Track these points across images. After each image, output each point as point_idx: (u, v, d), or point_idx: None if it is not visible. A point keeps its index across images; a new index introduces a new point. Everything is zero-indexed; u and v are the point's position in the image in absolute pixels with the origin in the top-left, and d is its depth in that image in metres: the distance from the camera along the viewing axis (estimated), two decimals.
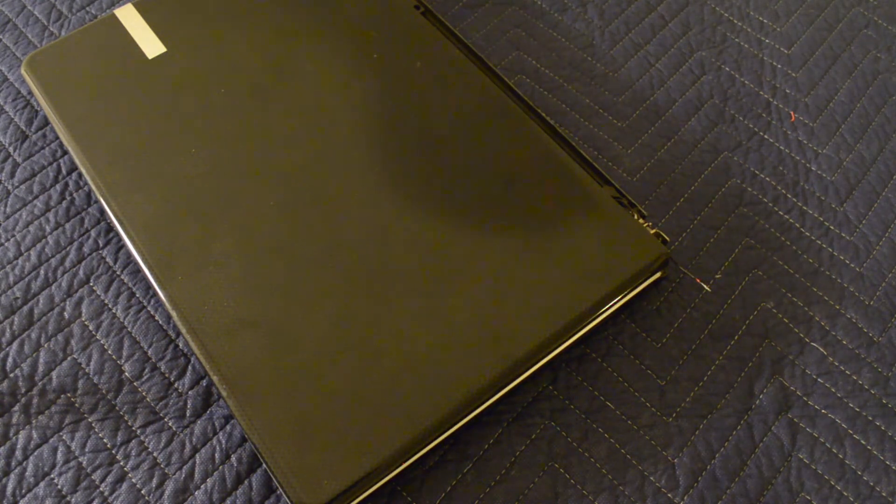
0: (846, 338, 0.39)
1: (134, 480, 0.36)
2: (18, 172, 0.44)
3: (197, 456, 0.36)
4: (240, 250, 0.37)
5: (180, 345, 0.39)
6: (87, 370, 0.38)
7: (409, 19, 0.45)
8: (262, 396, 0.34)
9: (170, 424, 0.37)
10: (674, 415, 0.37)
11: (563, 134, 0.41)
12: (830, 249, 0.41)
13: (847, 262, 0.41)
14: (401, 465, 0.33)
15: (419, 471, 0.36)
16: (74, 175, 0.44)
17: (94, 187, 0.40)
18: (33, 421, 0.37)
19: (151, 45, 0.44)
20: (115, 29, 0.45)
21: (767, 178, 0.44)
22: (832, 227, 0.42)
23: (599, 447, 0.36)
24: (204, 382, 0.38)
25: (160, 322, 0.39)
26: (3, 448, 0.36)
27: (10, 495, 0.35)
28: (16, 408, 0.37)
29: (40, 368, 0.38)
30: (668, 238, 0.39)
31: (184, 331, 0.36)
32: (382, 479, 0.33)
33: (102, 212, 0.43)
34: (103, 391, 0.38)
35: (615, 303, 0.37)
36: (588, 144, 0.45)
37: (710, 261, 0.41)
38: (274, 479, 0.33)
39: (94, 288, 0.40)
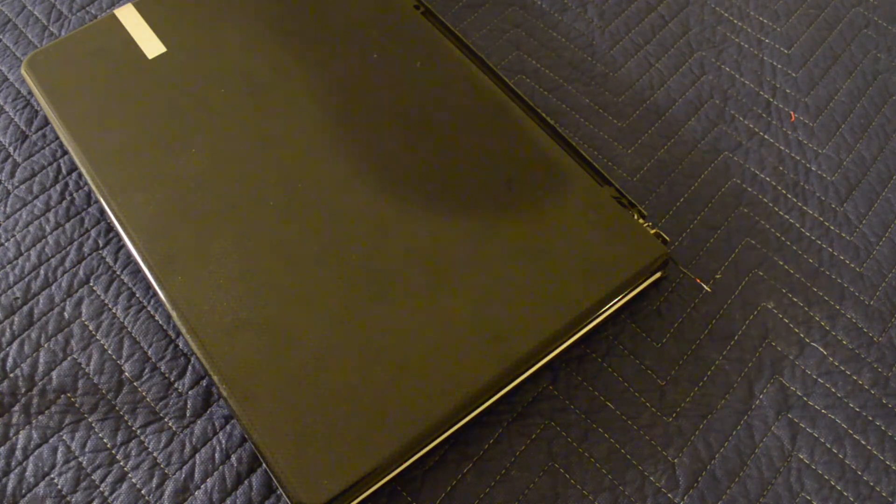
0: (846, 338, 0.39)
1: (134, 480, 0.36)
2: (18, 172, 0.44)
3: (197, 456, 0.36)
4: (239, 250, 0.37)
5: (180, 345, 0.39)
6: (87, 370, 0.38)
7: (409, 19, 0.45)
8: (262, 396, 0.34)
9: (170, 424, 0.37)
10: (674, 415, 0.37)
11: (563, 134, 0.41)
12: (830, 249, 0.41)
13: (847, 262, 0.41)
14: (401, 465, 0.33)
15: (419, 471, 0.36)
16: (74, 175, 0.44)
17: (94, 187, 0.40)
18: (33, 421, 0.37)
19: (151, 45, 0.44)
20: (115, 29, 0.45)
21: (767, 178, 0.44)
22: (832, 227, 0.42)
23: (599, 447, 0.36)
24: (204, 382, 0.38)
25: (160, 322, 0.39)
26: (3, 448, 0.36)
27: (10, 495, 0.35)
28: (16, 408, 0.37)
29: (40, 368, 0.38)
30: (668, 238, 0.39)
31: (184, 331, 0.36)
32: (382, 479, 0.33)
33: (102, 212, 0.43)
34: (103, 391, 0.38)
35: (615, 303, 0.37)
36: (588, 144, 0.45)
37: (710, 261, 0.41)
38: (274, 479, 0.33)
39: (94, 288, 0.40)
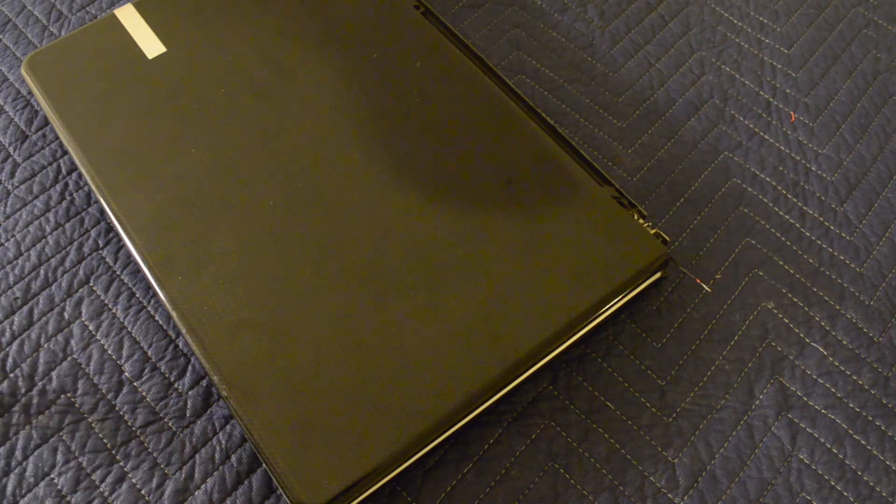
0: (846, 338, 0.39)
1: (134, 480, 0.36)
2: (18, 172, 0.44)
3: (197, 456, 0.36)
4: (240, 250, 0.37)
5: (180, 345, 0.39)
6: (87, 370, 0.38)
7: (409, 19, 0.45)
8: (262, 396, 0.34)
9: (170, 424, 0.37)
10: (674, 415, 0.37)
11: (563, 134, 0.41)
12: (830, 249, 0.41)
13: (847, 262, 0.41)
14: (401, 465, 0.33)
15: (419, 471, 0.36)
16: (74, 175, 0.44)
17: (94, 187, 0.40)
18: (33, 421, 0.37)
19: (151, 45, 0.44)
20: (115, 29, 0.45)
21: (767, 178, 0.44)
22: (832, 227, 0.42)
23: (599, 447, 0.36)
24: (204, 382, 0.38)
25: (160, 322, 0.39)
26: (3, 448, 0.36)
27: (10, 495, 0.35)
28: (16, 408, 0.37)
29: (40, 368, 0.38)
30: (668, 238, 0.39)
31: (184, 331, 0.36)
32: (382, 479, 0.33)
33: (102, 212, 0.43)
34: (103, 391, 0.38)
35: (615, 303, 0.37)
36: (588, 144, 0.45)
37: (710, 261, 0.41)
38: (274, 479, 0.33)
39: (94, 288, 0.40)
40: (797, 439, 0.36)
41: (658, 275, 0.39)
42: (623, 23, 0.50)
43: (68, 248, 0.42)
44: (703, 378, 0.38)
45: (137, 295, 0.40)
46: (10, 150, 0.45)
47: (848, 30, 0.49)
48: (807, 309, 0.40)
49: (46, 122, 0.46)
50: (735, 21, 0.50)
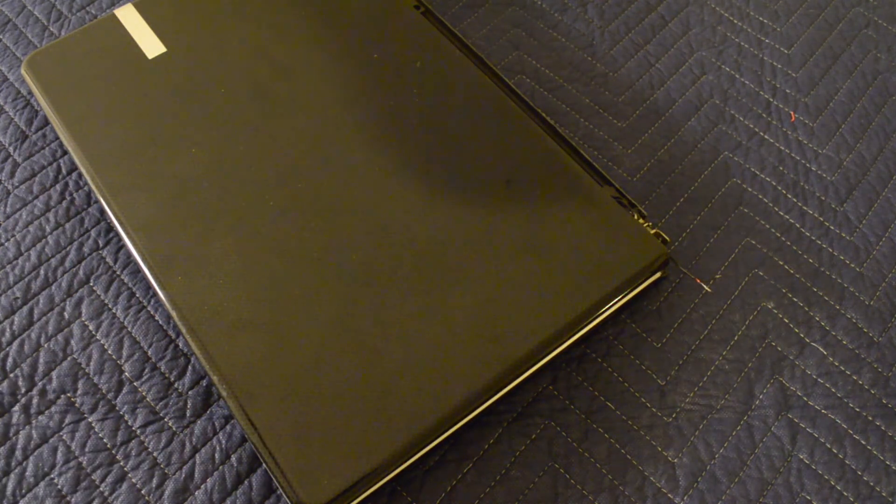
0: (846, 338, 0.39)
1: (134, 480, 0.36)
2: (18, 172, 0.44)
3: (197, 456, 0.36)
4: (240, 250, 0.38)
5: (180, 345, 0.39)
6: (87, 370, 0.38)
7: (409, 19, 0.45)
8: (262, 396, 0.34)
9: (170, 424, 0.37)
10: (674, 415, 0.37)
11: (563, 134, 0.41)
12: (830, 249, 0.41)
13: (847, 262, 0.41)
14: (401, 465, 0.33)
15: (419, 471, 0.36)
16: (74, 175, 0.44)
17: (94, 187, 0.40)
18: (33, 421, 0.37)
19: (151, 45, 0.44)
20: (115, 29, 0.45)
21: (767, 178, 0.44)
22: (832, 227, 0.42)
23: (599, 447, 0.36)
24: (204, 382, 0.38)
25: (160, 322, 0.39)
26: (3, 448, 0.36)
27: (10, 495, 0.35)
28: (16, 408, 0.37)
29: (40, 368, 0.38)
30: (668, 238, 0.39)
31: (184, 331, 0.36)
32: (382, 479, 0.33)
33: (102, 212, 0.43)
34: (103, 391, 0.38)
35: (615, 303, 0.37)
36: (588, 144, 0.45)
37: (710, 261, 0.41)
38: (274, 479, 0.33)
39: (94, 288, 0.40)
40: (797, 439, 0.36)
41: (658, 275, 0.39)
42: (623, 23, 0.50)
43: (68, 248, 0.42)
44: (703, 378, 0.38)
45: (137, 295, 0.40)
46: (10, 150, 0.45)
47: (848, 30, 0.49)
48: (807, 309, 0.40)
49: (46, 122, 0.46)
50: (735, 21, 0.50)
